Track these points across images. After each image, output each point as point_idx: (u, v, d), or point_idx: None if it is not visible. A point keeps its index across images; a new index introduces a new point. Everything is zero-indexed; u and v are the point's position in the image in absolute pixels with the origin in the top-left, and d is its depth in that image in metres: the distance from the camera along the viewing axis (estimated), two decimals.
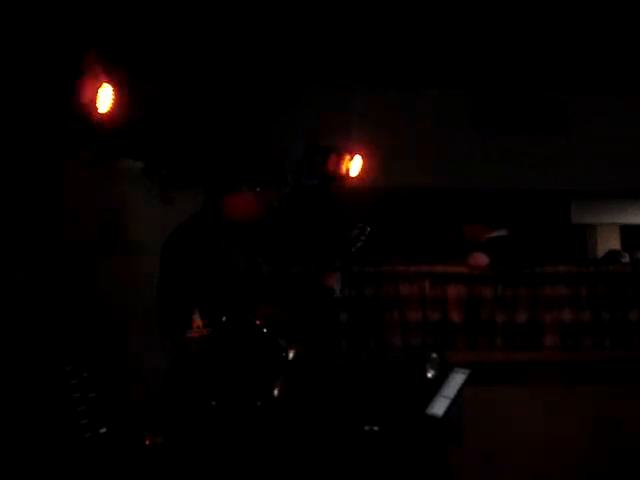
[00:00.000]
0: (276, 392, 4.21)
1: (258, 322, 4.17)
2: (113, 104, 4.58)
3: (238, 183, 4.65)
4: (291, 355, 4.32)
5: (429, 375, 5.38)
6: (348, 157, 6.06)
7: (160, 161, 5.76)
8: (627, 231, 10.09)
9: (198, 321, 3.95)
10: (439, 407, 4.86)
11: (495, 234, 6.49)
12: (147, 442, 3.76)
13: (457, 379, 4.89)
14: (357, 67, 7.59)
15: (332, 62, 7.46)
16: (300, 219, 5.46)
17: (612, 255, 8.49)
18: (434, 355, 5.47)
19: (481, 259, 6.24)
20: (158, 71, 6.82)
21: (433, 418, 4.83)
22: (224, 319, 4.12)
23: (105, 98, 4.55)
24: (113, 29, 5.84)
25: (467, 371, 4.87)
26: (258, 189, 4.59)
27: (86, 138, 4.96)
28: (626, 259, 8.29)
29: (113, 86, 4.57)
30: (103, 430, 3.65)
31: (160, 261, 4.45)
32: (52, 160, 4.54)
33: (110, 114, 4.59)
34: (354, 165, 6.11)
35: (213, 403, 4.07)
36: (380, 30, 6.86)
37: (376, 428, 4.80)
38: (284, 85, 7.89)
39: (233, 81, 7.72)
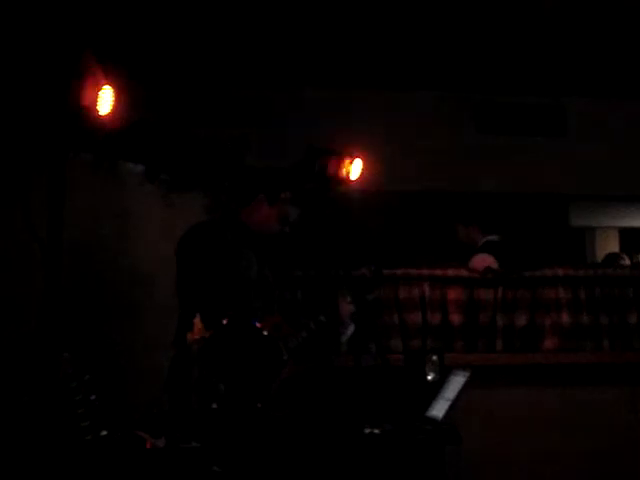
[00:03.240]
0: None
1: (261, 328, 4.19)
2: (114, 106, 4.58)
3: (255, 193, 4.70)
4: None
5: (429, 378, 5.38)
6: (348, 160, 6.05)
7: (161, 164, 5.77)
8: (626, 234, 10.09)
9: (199, 323, 3.96)
10: (439, 410, 4.87)
11: (487, 239, 6.50)
12: (148, 445, 3.76)
13: (457, 381, 4.89)
14: (356, 69, 7.59)
15: (331, 64, 7.47)
16: (301, 223, 5.48)
17: (611, 258, 8.49)
18: (434, 358, 5.47)
19: (487, 261, 6.23)
20: (158, 74, 6.83)
21: (433, 421, 4.84)
22: (225, 322, 4.13)
23: (106, 100, 4.54)
24: (115, 32, 5.84)
25: (467, 373, 4.88)
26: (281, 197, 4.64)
27: (87, 140, 4.97)
28: (626, 262, 8.28)
29: (114, 88, 4.56)
30: (104, 433, 3.65)
31: (177, 258, 4.48)
32: (53, 162, 4.54)
33: (111, 116, 4.58)
34: (354, 168, 6.10)
35: (214, 406, 4.08)
36: (379, 31, 6.86)
37: (376, 431, 4.80)
38: (283, 87, 7.90)
39: (233, 84, 7.72)
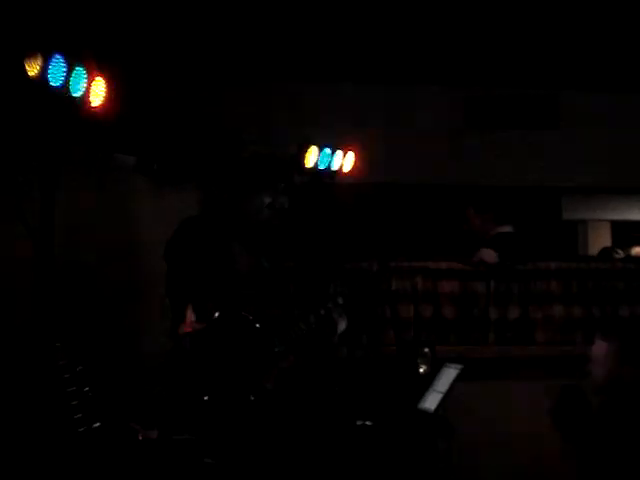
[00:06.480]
0: (269, 386, 4.22)
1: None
2: (105, 98, 4.57)
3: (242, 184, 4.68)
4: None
5: (421, 370, 5.39)
6: (342, 153, 6.06)
7: (152, 156, 5.76)
8: (618, 227, 10.11)
9: (191, 316, 3.96)
10: (431, 402, 4.88)
11: (500, 230, 6.46)
12: (140, 437, 3.76)
13: (449, 374, 4.91)
14: (352, 64, 7.60)
15: (328, 59, 7.47)
16: (293, 215, 5.47)
17: (606, 252, 8.50)
18: (426, 350, 5.49)
19: (489, 255, 6.22)
20: (151, 67, 6.82)
21: (425, 413, 4.85)
22: (217, 315, 4.13)
23: (98, 92, 4.54)
24: (107, 24, 5.83)
25: (459, 366, 4.89)
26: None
27: (79, 133, 4.96)
28: (620, 255, 8.29)
29: (106, 80, 4.55)
30: (97, 425, 3.65)
31: (165, 256, 4.49)
32: (46, 155, 4.54)
33: (103, 108, 4.58)
34: (348, 161, 6.12)
35: (205, 398, 4.08)
36: (373, 27, 6.87)
37: (368, 423, 4.81)
38: (281, 82, 7.90)
39: (227, 77, 7.72)
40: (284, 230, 5.02)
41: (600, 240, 9.80)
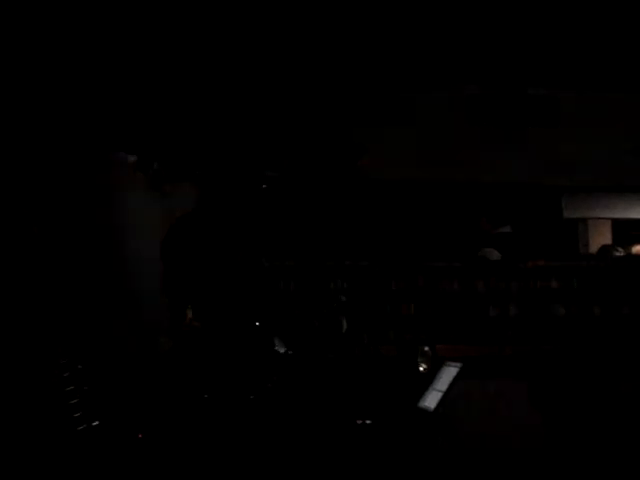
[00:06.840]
0: (269, 385, 4.23)
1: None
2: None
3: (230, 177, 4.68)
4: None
5: (421, 369, 5.40)
6: (349, 151, 6.06)
7: (152, 155, 5.76)
8: (619, 225, 10.09)
9: (191, 315, 3.97)
10: (431, 400, 4.88)
11: (500, 230, 6.48)
12: (139, 435, 3.77)
13: (449, 373, 4.91)
14: (358, 64, 7.60)
15: (335, 60, 7.47)
16: (297, 212, 5.48)
17: (606, 250, 8.49)
18: (426, 349, 5.49)
19: (493, 254, 6.24)
20: (150, 66, 6.82)
21: (425, 411, 4.85)
22: (217, 314, 4.14)
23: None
24: (106, 24, 5.83)
25: (459, 364, 4.89)
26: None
27: (79, 133, 4.97)
28: (620, 253, 8.29)
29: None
30: (96, 423, 3.66)
31: (161, 255, 4.49)
32: (48, 153, 4.54)
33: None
34: (351, 159, 6.11)
35: (205, 396, 4.08)
36: (381, 28, 6.87)
37: (369, 422, 4.81)
38: (285, 81, 7.89)
39: (230, 77, 7.72)
40: (284, 228, 5.03)
41: (601, 238, 9.78)
